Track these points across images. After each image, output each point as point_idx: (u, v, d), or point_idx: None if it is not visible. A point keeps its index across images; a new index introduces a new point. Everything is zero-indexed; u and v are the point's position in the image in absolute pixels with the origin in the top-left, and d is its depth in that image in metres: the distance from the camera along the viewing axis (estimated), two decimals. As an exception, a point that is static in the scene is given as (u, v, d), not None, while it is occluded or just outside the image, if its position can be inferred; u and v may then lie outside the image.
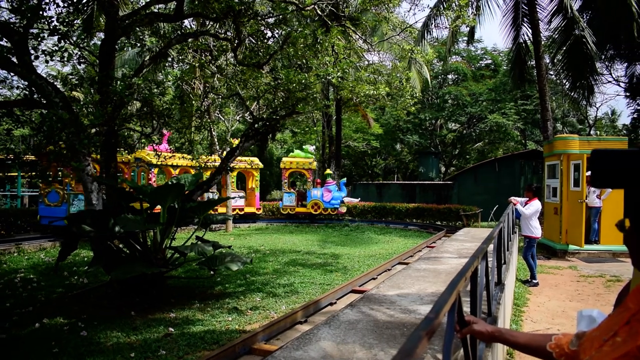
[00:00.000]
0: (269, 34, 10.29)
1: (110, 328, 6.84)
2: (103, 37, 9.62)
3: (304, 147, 26.46)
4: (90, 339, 6.41)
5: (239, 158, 24.76)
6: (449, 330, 1.88)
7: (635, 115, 29.22)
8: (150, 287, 8.42)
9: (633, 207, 1.03)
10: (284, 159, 26.07)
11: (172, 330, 6.75)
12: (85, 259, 12.51)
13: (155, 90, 9.78)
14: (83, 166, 8.01)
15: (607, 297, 8.94)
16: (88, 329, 6.74)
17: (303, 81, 9.01)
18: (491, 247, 4.77)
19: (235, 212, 24.44)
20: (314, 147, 26.89)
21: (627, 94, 28.33)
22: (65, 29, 8.67)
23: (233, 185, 24.94)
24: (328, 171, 26.34)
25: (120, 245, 8.90)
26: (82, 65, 11.03)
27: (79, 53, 9.97)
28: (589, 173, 1.57)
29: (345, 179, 26.45)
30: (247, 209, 24.95)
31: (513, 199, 10.44)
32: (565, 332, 1.48)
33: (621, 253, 13.01)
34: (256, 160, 25.90)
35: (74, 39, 9.63)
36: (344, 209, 24.94)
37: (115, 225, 7.60)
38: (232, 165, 24.32)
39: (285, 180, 25.47)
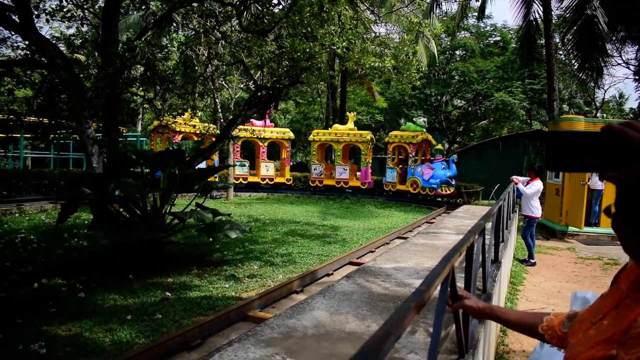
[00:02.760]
0: (275, 0, 10.11)
1: (108, 290, 6.89)
2: (107, -2, 9.47)
3: (414, 119, 24.82)
4: (87, 300, 6.47)
5: (351, 132, 24.43)
6: (440, 304, 1.88)
7: (643, 99, 28.93)
8: (149, 252, 8.46)
9: (615, 194, 1.01)
10: (391, 132, 24.68)
11: (169, 294, 6.81)
12: (86, 222, 12.56)
13: (159, 54, 9.66)
14: (84, 128, 7.97)
15: (604, 280, 8.97)
16: (86, 290, 6.79)
17: (308, 50, 8.87)
18: (489, 224, 4.76)
19: (340, 185, 24.27)
20: (424, 119, 24.61)
21: (637, 77, 27.97)
22: (69, -12, 8.53)
23: (339, 158, 24.57)
24: (439, 146, 23.93)
25: (120, 209, 8.91)
26: (86, 27, 10.88)
27: (82, 14, 9.83)
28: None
29: (455, 155, 23.22)
30: (352, 183, 24.32)
31: (515, 178, 10.40)
32: (557, 312, 1.46)
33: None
34: (365, 133, 24.69)
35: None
36: (449, 190, 21.78)
37: (115, 189, 7.57)
38: (343, 138, 24.14)
39: (390, 155, 24.02)
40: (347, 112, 26.70)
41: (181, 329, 5.30)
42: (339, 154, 24.50)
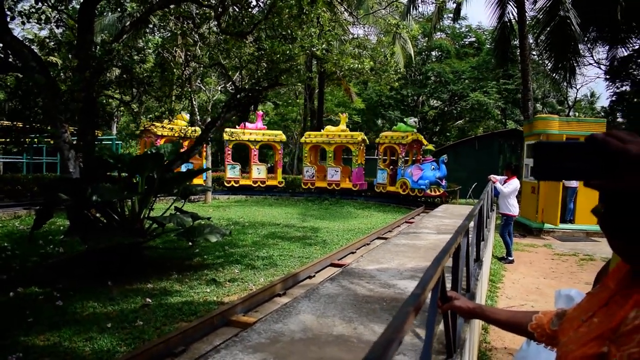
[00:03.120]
0: (254, 2, 10.07)
1: (87, 298, 6.76)
2: (82, 0, 9.31)
3: (405, 119, 24.25)
4: (65, 308, 6.34)
5: (342, 134, 24.08)
6: (432, 306, 1.88)
7: (613, 98, 29.57)
8: (128, 258, 8.33)
9: (605, 197, 1.02)
10: (382, 133, 24.24)
11: (150, 301, 6.71)
12: (62, 227, 12.32)
13: (136, 57, 9.53)
14: (59, 132, 7.82)
15: (580, 275, 9.14)
16: (63, 298, 6.65)
17: (287, 52, 8.85)
18: (472, 224, 4.79)
19: (332, 187, 24.01)
20: (415, 120, 24.27)
21: (607, 76, 28.58)
22: (43, -10, 8.36)
23: (330, 160, 24.25)
24: (430, 146, 23.16)
25: (97, 215, 8.76)
26: (60, 29, 10.69)
27: (57, 16, 9.65)
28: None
29: (445, 156, 22.09)
30: (343, 185, 23.92)
31: (493, 177, 10.51)
32: (545, 311, 1.47)
33: (594, 233, 13.30)
34: (357, 134, 24.46)
35: (52, 1, 9.28)
36: (438, 191, 21.21)
37: (92, 194, 7.42)
38: (334, 140, 23.85)
39: (380, 157, 23.52)
40: (340, 113, 26.62)
41: (164, 335, 5.22)
42: (330, 155, 24.30)
